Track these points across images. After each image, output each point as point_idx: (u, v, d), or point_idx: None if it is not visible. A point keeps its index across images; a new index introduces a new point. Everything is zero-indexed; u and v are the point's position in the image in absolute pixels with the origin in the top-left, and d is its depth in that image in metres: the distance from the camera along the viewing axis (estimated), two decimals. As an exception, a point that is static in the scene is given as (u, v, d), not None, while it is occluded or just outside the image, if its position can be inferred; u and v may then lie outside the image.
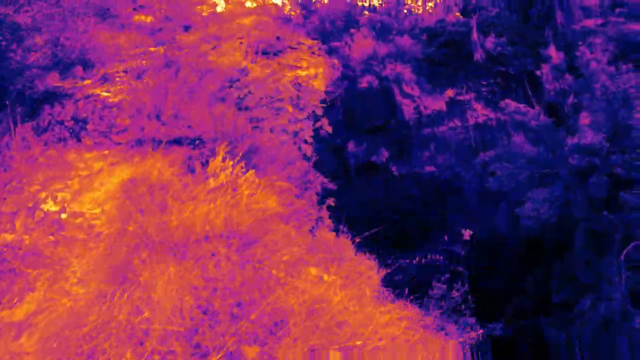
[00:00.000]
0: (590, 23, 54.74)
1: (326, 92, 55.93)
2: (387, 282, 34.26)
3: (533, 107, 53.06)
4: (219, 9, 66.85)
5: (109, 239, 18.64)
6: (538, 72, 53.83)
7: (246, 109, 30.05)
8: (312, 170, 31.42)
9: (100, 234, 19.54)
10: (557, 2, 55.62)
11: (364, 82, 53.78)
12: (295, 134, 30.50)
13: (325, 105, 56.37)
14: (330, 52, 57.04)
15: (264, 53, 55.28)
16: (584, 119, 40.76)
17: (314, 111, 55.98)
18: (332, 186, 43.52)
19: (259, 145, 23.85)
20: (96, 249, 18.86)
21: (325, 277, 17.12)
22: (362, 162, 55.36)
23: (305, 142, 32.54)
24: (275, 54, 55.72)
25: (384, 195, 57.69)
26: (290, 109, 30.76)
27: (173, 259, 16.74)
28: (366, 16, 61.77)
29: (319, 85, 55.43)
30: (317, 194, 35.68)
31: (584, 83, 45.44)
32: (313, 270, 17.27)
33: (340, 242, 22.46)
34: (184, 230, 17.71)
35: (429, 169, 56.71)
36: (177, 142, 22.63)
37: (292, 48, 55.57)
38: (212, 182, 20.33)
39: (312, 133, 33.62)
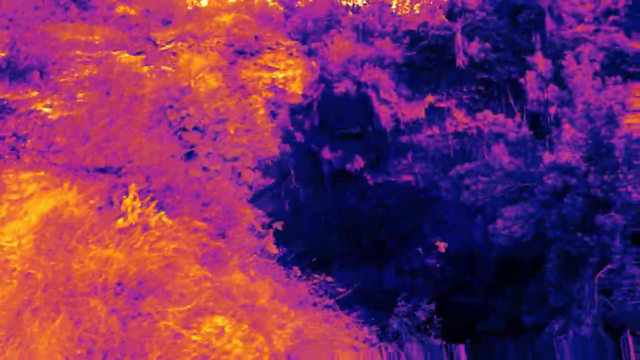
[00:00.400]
0: (582, 29, 53.21)
1: (303, 96, 54.78)
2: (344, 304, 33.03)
3: (514, 117, 51.46)
4: (203, 3, 64.67)
5: (20, 278, 17.12)
6: (522, 80, 52.49)
7: (183, 130, 28.07)
8: (245, 206, 29.39)
9: (14, 270, 18.00)
10: (547, 7, 54.13)
11: (342, 87, 52.27)
12: (235, 159, 28.57)
13: (301, 109, 54.84)
14: (310, 53, 55.82)
15: (241, 53, 54.05)
16: (564, 134, 39.31)
17: (291, 111, 54.44)
18: (266, 219, 41.63)
19: (179, 179, 21.95)
20: (10, 285, 17.33)
21: (228, 328, 15.57)
22: (337, 170, 53.64)
23: (248, 167, 30.48)
24: (252, 55, 54.74)
25: (359, 204, 56.12)
26: (232, 131, 28.83)
27: (62, 311, 15.26)
28: (349, 17, 60.16)
29: (297, 88, 55.13)
30: (253, 228, 33.84)
31: (567, 95, 44.06)
32: (218, 320, 15.71)
33: (255, 287, 20.59)
34: (80, 278, 16.21)
35: (406, 178, 55.40)
36: (103, 170, 20.97)
37: (270, 49, 54.45)
38: (120, 222, 18.72)
39: (254, 160, 31.73)
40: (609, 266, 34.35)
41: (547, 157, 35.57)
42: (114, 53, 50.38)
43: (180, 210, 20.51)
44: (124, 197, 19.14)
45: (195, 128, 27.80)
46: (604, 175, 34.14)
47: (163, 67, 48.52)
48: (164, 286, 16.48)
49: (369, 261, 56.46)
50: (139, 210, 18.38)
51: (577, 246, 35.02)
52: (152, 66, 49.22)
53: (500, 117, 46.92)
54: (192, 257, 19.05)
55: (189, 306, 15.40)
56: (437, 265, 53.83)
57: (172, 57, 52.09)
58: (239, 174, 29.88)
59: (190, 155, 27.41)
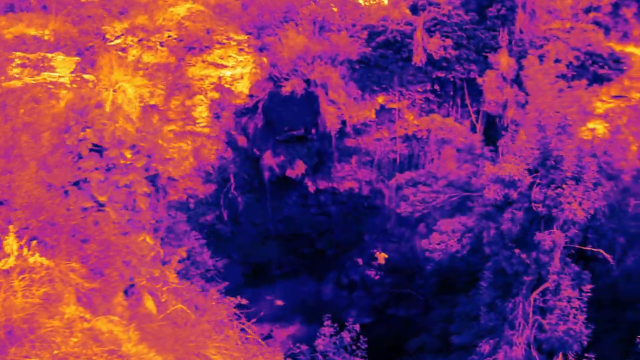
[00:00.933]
0: (557, 26, 50.84)
1: (250, 96, 52.69)
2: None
3: (469, 120, 49.12)
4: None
5: None
6: (480, 80, 49.83)
7: (78, 156, 25.29)
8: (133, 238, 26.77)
9: None
10: (521, 1, 51.04)
11: (289, 85, 49.68)
12: (128, 185, 25.79)
13: (246, 110, 52.23)
14: (262, 49, 53.32)
15: (191, 49, 51.84)
16: (513, 142, 37.09)
17: (235, 113, 51.99)
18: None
19: (60, 214, 19.45)
20: None
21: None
22: (278, 176, 51.14)
23: (145, 193, 27.73)
24: (201, 50, 52.42)
25: (300, 212, 53.67)
26: (129, 155, 26.01)
27: None
28: (310, 8, 56.77)
29: (243, 87, 52.95)
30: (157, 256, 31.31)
31: (523, 98, 41.78)
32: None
33: (123, 330, 18.23)
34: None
35: (349, 184, 53.01)
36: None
37: (220, 44, 51.80)
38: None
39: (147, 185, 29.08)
40: (545, 286, 31.93)
41: (489, 168, 32.95)
42: (49, 55, 47.17)
43: (58, 249, 18.03)
44: (5, 237, 16.63)
45: (94, 150, 24.86)
46: (549, 190, 31.73)
47: (85, 76, 45.43)
48: (34, 333, 14.08)
49: (308, 272, 53.83)
50: (16, 252, 15.93)
51: (513, 263, 32.68)
52: (74, 75, 45.98)
53: (449, 120, 44.53)
54: (68, 300, 16.58)
55: (56, 352, 13.03)
56: (376, 277, 51.45)
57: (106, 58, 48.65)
58: (134, 201, 27.03)
59: (79, 185, 24.65)
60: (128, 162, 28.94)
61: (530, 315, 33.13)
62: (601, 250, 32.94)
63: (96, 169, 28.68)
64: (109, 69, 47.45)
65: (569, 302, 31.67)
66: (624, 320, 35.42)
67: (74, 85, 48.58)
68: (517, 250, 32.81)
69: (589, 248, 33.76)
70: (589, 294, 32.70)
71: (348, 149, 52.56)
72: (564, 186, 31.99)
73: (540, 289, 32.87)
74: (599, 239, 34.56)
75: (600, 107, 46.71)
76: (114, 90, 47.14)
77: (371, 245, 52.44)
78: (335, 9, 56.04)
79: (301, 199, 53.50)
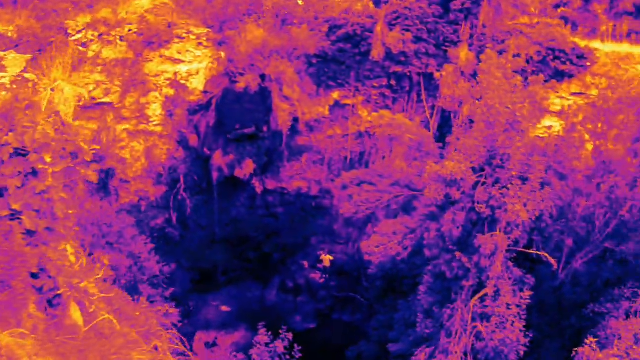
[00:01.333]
0: (525, 21, 48.75)
1: (204, 92, 50.12)
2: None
3: (427, 116, 46.84)
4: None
5: None
6: (438, 75, 48.28)
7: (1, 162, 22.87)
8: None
9: None
10: None
11: (243, 81, 47.22)
12: (46, 191, 23.31)
13: (200, 108, 49.59)
14: (221, 43, 50.98)
15: (150, 44, 49.22)
16: (457, 140, 34.85)
17: (189, 111, 49.58)
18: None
19: None
20: None
21: None
22: (226, 177, 48.64)
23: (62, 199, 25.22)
24: (160, 45, 49.76)
25: (248, 214, 51.24)
26: (49, 160, 23.59)
27: None
28: (273, 1, 54.20)
29: (198, 84, 50.21)
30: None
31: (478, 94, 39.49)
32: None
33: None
34: None
35: (298, 184, 50.64)
36: None
37: (180, 38, 49.44)
38: None
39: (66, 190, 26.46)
40: (485, 291, 29.77)
41: (430, 167, 30.75)
42: (2, 54, 46.05)
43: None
44: None
45: (19, 154, 22.53)
46: (493, 189, 29.54)
47: (26, 75, 42.90)
48: None
49: (254, 277, 51.43)
50: None
51: (453, 267, 30.55)
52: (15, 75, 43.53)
53: (399, 117, 42.35)
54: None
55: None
56: (321, 281, 49.10)
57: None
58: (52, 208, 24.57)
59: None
60: (46, 167, 26.68)
61: (469, 322, 30.97)
62: (545, 254, 30.71)
63: (19, 173, 26.41)
64: (50, 67, 44.91)
65: (508, 308, 29.40)
66: (568, 326, 33.30)
67: (14, 86, 46.28)
68: (458, 254, 30.54)
69: (533, 251, 31.47)
70: (528, 301, 30.54)
71: (299, 147, 50.44)
72: (509, 186, 29.61)
73: (480, 294, 30.67)
74: (544, 241, 32.35)
75: (558, 104, 44.41)
76: (52, 90, 44.69)
77: (318, 248, 50.21)
78: (301, 2, 54.18)
79: (249, 201, 51.21)
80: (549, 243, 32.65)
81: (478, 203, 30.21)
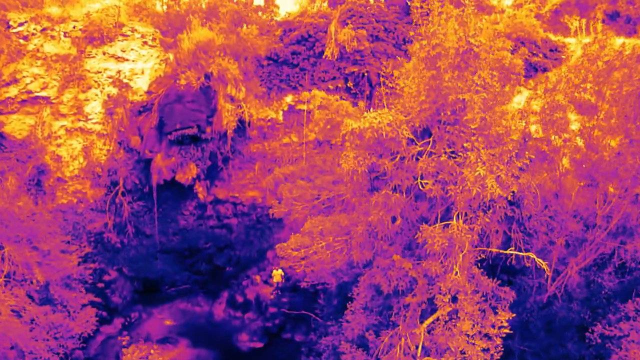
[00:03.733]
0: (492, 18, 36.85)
1: (148, 93, 36.55)
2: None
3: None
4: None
5: None
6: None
7: None
8: None
9: None
10: None
11: (184, 78, 33.01)
12: None
13: (143, 108, 35.26)
14: (171, 46, 37.82)
15: (93, 40, 35.69)
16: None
17: (131, 111, 35.23)
18: None
19: None
20: None
21: None
22: (166, 180, 33.50)
23: None
24: (102, 42, 35.97)
25: (197, 224, 35.75)
26: None
27: None
28: (228, 7, 40.20)
29: (143, 83, 36.48)
30: None
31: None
32: None
33: None
34: None
35: (251, 194, 35.30)
36: None
37: (124, 35, 36.71)
38: None
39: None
40: (438, 313, 13.82)
41: (347, 125, 19.00)
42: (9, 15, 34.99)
43: None
44: None
45: None
46: (444, 158, 14.02)
47: None
48: None
49: (204, 291, 36.35)
50: None
51: (390, 277, 14.88)
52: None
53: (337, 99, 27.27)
54: None
55: None
56: (271, 297, 33.36)
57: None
58: None
59: None
60: None
61: (417, 357, 15.08)
62: (530, 254, 14.61)
63: None
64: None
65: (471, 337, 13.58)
66: (564, 356, 16.94)
67: None
68: (396, 257, 14.63)
69: (511, 252, 15.42)
70: (505, 325, 14.51)
71: (251, 155, 35.72)
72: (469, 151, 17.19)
73: (432, 317, 14.65)
74: (527, 239, 16.54)
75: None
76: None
77: (274, 262, 35.05)
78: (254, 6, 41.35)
79: (199, 209, 36.17)
80: (532, 243, 16.39)
81: (422, 179, 14.38)
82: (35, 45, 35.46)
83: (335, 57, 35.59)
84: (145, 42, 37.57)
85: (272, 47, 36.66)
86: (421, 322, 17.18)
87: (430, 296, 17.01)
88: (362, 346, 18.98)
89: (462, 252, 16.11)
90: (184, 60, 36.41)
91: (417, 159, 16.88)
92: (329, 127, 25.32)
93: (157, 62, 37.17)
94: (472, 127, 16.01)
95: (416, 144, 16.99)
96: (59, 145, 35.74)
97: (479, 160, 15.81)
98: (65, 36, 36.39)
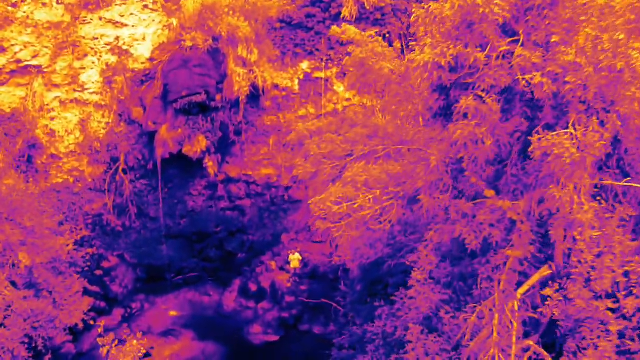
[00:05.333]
0: None
1: (150, 60, 30.73)
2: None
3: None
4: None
5: None
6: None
7: None
8: None
9: None
10: None
11: (189, 39, 27.92)
12: None
13: (145, 77, 29.77)
14: (172, 11, 31.25)
15: (88, 4, 30.06)
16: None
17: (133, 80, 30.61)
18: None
19: None
20: None
21: None
22: (173, 154, 28.00)
23: None
24: (99, 7, 30.29)
25: (206, 205, 30.28)
26: None
27: None
28: None
29: (145, 50, 30.77)
30: None
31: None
32: None
33: None
34: None
35: (266, 172, 29.97)
36: None
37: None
38: None
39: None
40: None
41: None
42: None
43: None
44: None
45: None
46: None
47: None
48: None
49: (214, 279, 31.16)
50: None
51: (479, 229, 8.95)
52: None
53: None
54: None
55: None
56: (288, 285, 27.83)
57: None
58: None
59: None
60: None
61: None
62: None
63: None
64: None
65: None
66: None
67: None
68: (488, 193, 8.77)
69: None
70: None
71: (265, 128, 30.07)
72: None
73: (534, 279, 9.62)
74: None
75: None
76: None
77: (290, 247, 29.74)
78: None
79: (208, 189, 30.64)
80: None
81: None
82: (24, 12, 29.53)
83: (354, 17, 30.25)
84: (145, 6, 31.62)
85: (284, 8, 30.54)
86: (518, 289, 11.98)
87: (532, 249, 11.70)
88: (433, 330, 13.74)
89: (587, 170, 10.69)
90: (189, 23, 31.00)
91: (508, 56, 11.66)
92: (362, 71, 20.17)
93: (160, 27, 30.94)
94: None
95: (505, 38, 11.89)
96: (52, 119, 29.74)
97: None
98: (57, 3, 31.00)
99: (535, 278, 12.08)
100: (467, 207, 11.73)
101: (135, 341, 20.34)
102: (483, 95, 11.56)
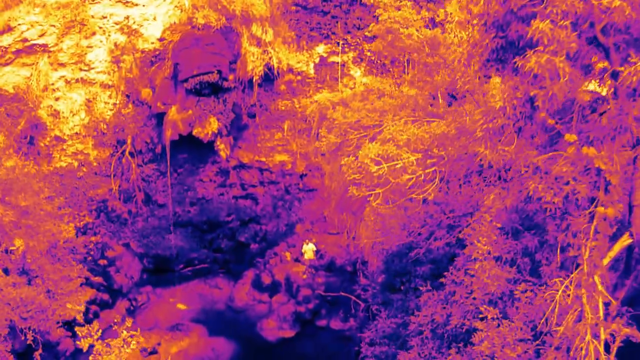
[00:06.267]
0: None
1: (161, 40, 27.89)
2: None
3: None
4: None
5: None
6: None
7: None
8: None
9: None
10: None
11: (202, 17, 25.10)
12: None
13: (155, 57, 27.29)
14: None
15: None
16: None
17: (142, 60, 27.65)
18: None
19: None
20: None
21: None
22: (183, 136, 25.42)
23: None
24: None
25: (218, 193, 27.63)
26: None
27: None
28: None
29: (155, 30, 28.02)
30: None
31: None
32: None
33: None
34: None
35: (280, 158, 27.31)
36: None
37: None
38: None
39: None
40: None
41: None
42: None
43: None
44: None
45: None
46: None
47: None
48: None
49: (225, 271, 29.13)
50: None
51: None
52: None
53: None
54: None
55: None
56: (304, 277, 24.99)
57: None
58: None
59: None
60: None
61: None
62: None
63: None
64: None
65: None
66: None
67: None
68: (570, 138, 5.35)
69: None
70: None
71: (280, 113, 27.30)
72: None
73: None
74: None
75: None
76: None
77: (305, 238, 26.42)
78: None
79: (220, 176, 27.92)
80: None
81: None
82: (31, -7, 28.03)
83: (371, 1, 27.96)
84: (155, -16, 29.90)
85: (301, -8, 29.02)
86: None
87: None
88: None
89: None
90: (201, 1, 28.16)
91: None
92: (389, 39, 17.58)
93: (171, 7, 28.13)
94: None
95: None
96: (57, 99, 26.97)
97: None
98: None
99: (617, 247, 9.39)
100: (541, 159, 9.04)
101: (124, 332, 17.32)
102: (557, 19, 9.00)
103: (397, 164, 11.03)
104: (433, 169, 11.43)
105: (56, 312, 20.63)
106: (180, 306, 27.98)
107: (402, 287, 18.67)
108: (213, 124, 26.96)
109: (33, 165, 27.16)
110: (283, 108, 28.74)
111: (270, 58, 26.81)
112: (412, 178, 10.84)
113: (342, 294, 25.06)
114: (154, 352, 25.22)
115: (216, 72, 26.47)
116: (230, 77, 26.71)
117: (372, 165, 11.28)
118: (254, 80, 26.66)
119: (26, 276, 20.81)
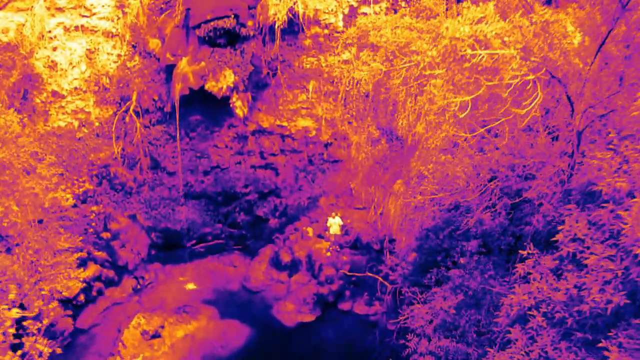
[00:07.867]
0: None
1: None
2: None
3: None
4: None
5: None
6: None
7: None
8: None
9: None
10: None
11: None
12: None
13: (162, 6, 22.99)
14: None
15: None
16: None
17: (151, 9, 23.20)
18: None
19: None
20: None
21: None
22: (194, 90, 20.80)
23: None
24: None
25: (235, 163, 23.21)
26: None
27: None
28: None
29: None
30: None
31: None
32: None
33: None
34: None
35: (303, 124, 22.92)
36: None
37: None
38: None
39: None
40: None
41: None
42: None
43: None
44: None
45: None
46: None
47: None
48: None
49: (241, 248, 23.40)
50: None
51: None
52: None
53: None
54: None
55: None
56: (327, 256, 20.30)
57: None
58: None
59: None
60: None
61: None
62: None
63: None
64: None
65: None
66: None
67: None
68: None
69: None
70: None
71: (304, 72, 22.78)
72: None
73: None
74: None
75: None
76: None
77: (328, 213, 21.51)
78: None
79: (237, 142, 23.21)
80: None
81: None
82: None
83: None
84: None
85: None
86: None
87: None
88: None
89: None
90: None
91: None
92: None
93: None
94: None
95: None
96: (54, 49, 22.50)
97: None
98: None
99: None
100: None
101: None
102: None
103: (495, 54, 6.64)
104: (539, 73, 6.82)
105: (35, 287, 16.44)
106: (190, 286, 23.60)
107: (434, 268, 14.05)
108: (228, 78, 22.41)
109: (29, 124, 23.01)
110: (308, 66, 24.12)
111: (295, 2, 22.21)
112: (518, 77, 6.45)
113: (368, 273, 20.45)
114: (156, 335, 20.95)
115: (233, 16, 21.91)
116: (249, 23, 22.16)
117: (467, 48, 6.89)
118: (275, 28, 22.11)
119: (4, 242, 16.61)
